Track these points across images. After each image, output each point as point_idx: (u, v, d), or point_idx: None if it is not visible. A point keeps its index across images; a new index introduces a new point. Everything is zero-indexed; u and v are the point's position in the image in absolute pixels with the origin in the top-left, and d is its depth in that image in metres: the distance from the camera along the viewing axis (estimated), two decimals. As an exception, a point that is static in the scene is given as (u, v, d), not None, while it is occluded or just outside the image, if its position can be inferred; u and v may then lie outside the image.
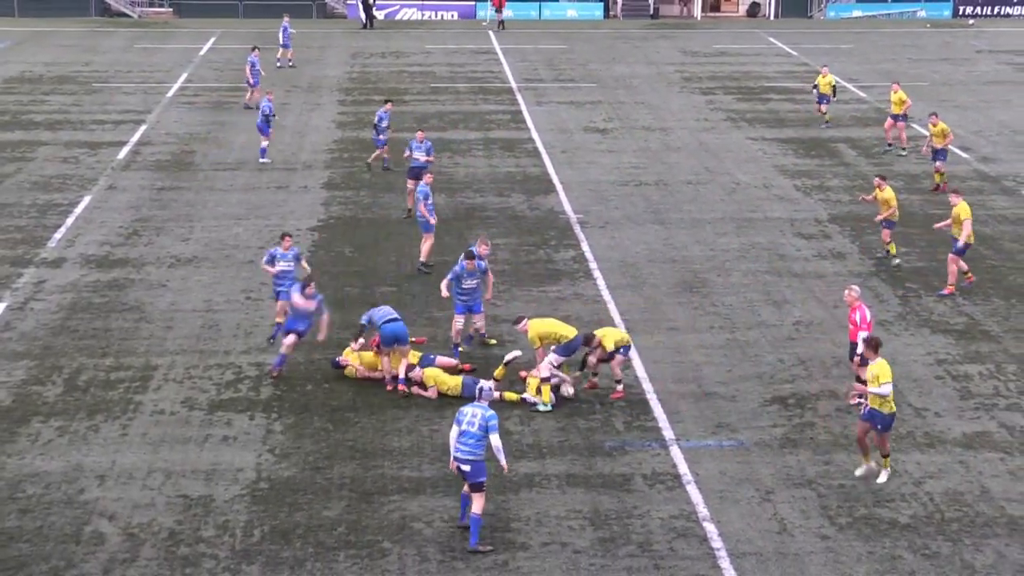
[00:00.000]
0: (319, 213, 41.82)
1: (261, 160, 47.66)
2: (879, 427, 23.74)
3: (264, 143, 47.89)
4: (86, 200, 43.14)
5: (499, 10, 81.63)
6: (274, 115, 48.34)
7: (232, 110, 56.80)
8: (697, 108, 57.85)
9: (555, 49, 73.18)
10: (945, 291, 34.78)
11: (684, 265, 36.90)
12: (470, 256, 30.03)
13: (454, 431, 22.46)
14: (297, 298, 28.50)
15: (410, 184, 40.36)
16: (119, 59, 69.39)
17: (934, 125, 44.80)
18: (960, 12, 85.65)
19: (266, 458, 25.68)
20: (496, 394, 27.42)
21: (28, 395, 28.43)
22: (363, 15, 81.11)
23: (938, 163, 44.77)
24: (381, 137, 46.36)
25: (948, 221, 35.19)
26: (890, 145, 49.68)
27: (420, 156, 40.44)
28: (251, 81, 57.10)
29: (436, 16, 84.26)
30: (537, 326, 28.45)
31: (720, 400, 28.33)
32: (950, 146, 45.36)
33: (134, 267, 36.69)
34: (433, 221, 35.69)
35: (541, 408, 27.67)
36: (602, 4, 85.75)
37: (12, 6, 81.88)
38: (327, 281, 35.10)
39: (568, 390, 28.19)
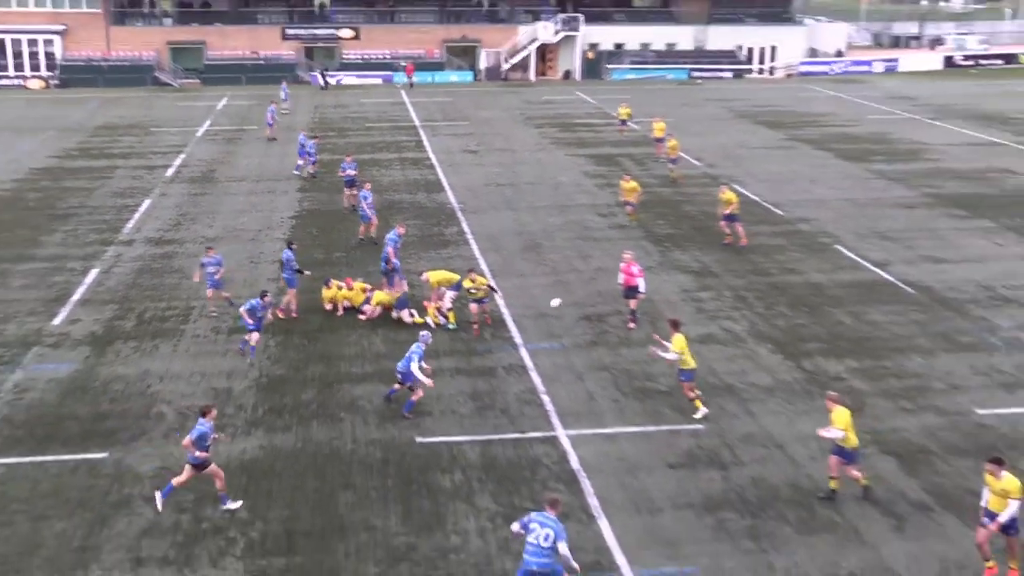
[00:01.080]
0: (296, 207, 41.18)
1: (310, 171, 46.41)
2: (683, 379, 22.21)
3: (308, 163, 46.64)
4: (147, 203, 42.14)
5: (410, 76, 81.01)
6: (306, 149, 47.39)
7: (239, 143, 55.74)
8: (533, 137, 57.74)
9: (443, 101, 72.62)
10: (741, 243, 34.91)
11: (526, 236, 36.83)
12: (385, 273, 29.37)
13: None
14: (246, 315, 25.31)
15: (346, 191, 39.90)
16: (166, 113, 67.81)
17: (669, 143, 46.14)
18: (692, 76, 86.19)
19: (265, 363, 25.37)
20: (412, 320, 27.37)
21: (113, 327, 27.88)
22: (322, 81, 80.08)
23: (672, 166, 45.66)
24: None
25: (724, 207, 35.18)
26: (660, 158, 49.67)
27: (351, 172, 39.90)
28: (270, 123, 56.20)
29: (367, 81, 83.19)
30: (434, 275, 28.27)
31: (550, 319, 28.33)
32: (683, 155, 45.77)
33: (179, 244, 35.99)
34: (372, 215, 35.25)
35: (450, 327, 27.39)
36: (472, 72, 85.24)
37: (97, 80, 79.70)
38: (302, 249, 34.53)
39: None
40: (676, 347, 21.76)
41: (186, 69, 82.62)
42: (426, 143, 55.84)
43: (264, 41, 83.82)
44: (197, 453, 18.34)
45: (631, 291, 27.64)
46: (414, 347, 22.32)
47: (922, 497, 19.20)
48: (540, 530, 15.19)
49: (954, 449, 21.02)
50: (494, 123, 62.76)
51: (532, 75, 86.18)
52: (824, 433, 18.80)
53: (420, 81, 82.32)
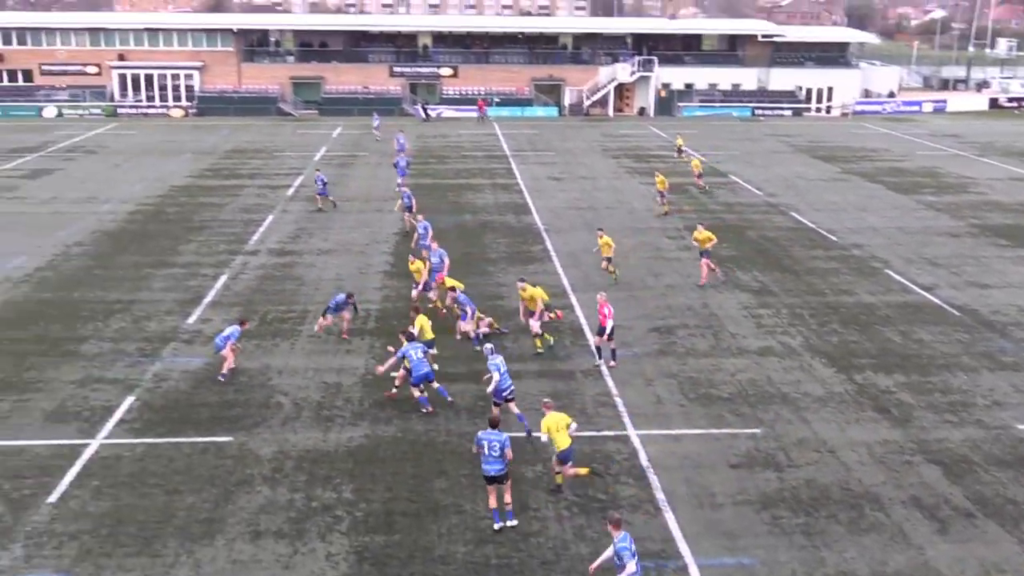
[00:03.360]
0: (399, 225, 41.40)
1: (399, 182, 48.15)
2: (562, 460, 18.65)
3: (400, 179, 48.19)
4: (270, 218, 42.85)
5: (481, 111, 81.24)
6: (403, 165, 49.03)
7: (351, 167, 56.35)
8: (611, 166, 57.53)
9: (531, 133, 72.73)
10: (701, 283, 32.46)
11: (603, 254, 36.68)
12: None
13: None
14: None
15: (406, 215, 39.79)
16: (288, 139, 68.95)
17: (658, 178, 44.35)
18: (755, 113, 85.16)
19: (371, 361, 25.55)
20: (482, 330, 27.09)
21: (238, 327, 28.26)
22: (423, 113, 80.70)
23: (660, 199, 43.92)
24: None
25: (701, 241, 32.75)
26: (705, 189, 49.19)
27: (406, 201, 39.90)
28: (400, 148, 56.51)
29: (464, 114, 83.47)
30: (531, 291, 26.75)
31: (621, 330, 27.98)
32: (744, 184, 44.88)
33: (297, 255, 36.44)
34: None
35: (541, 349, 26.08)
36: (557, 108, 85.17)
37: (229, 110, 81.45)
38: (400, 263, 34.94)
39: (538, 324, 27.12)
40: (543, 427, 18.48)
41: (305, 101, 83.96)
42: (515, 170, 55.94)
43: (374, 77, 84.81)
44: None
45: (602, 331, 25.20)
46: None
47: (965, 504, 18.65)
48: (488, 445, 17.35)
49: (996, 460, 20.39)
50: (576, 153, 62.65)
51: (610, 111, 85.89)
52: (541, 436, 18.59)
53: (510, 115, 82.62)
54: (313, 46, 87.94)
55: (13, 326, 28.39)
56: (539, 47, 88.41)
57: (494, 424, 17.83)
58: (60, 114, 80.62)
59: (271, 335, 27.66)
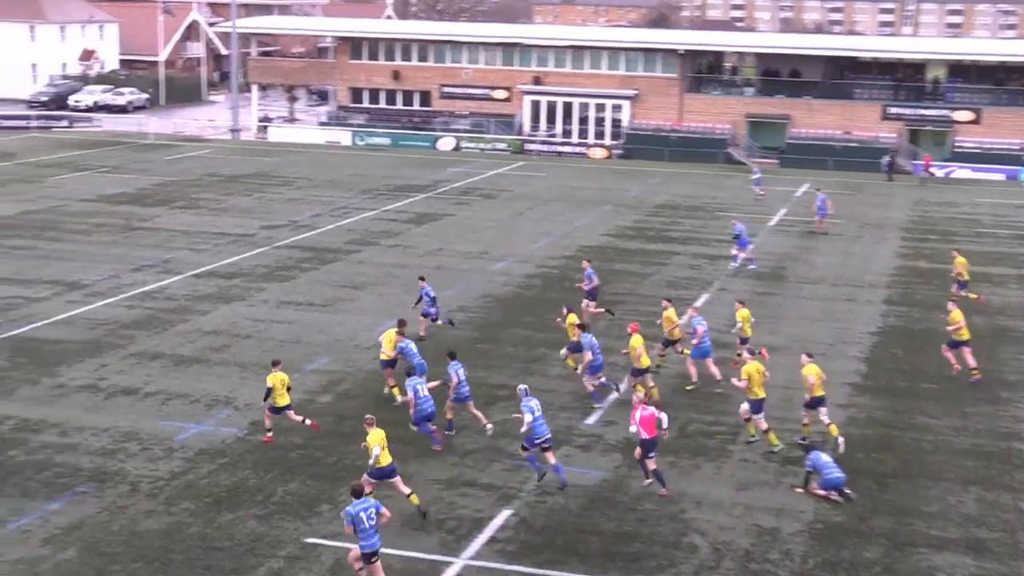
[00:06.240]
0: (879, 322, 40.62)
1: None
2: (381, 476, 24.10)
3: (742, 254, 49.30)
4: (704, 296, 43.60)
5: (927, 168, 77.92)
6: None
7: (818, 238, 56.14)
8: None
9: (1082, 208, 68.69)
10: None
11: None
12: None
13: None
14: None
15: (585, 302, 39.38)
16: (736, 195, 69.99)
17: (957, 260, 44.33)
18: None
19: (823, 507, 24.99)
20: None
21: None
22: (887, 172, 78.35)
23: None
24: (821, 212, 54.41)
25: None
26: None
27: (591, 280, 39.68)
28: (821, 213, 57.69)
29: (985, 176, 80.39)
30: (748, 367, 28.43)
31: None
32: None
33: (730, 349, 36.31)
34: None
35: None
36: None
37: (663, 153, 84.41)
38: (876, 372, 34.10)
39: None
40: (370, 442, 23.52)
41: (763, 147, 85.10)
42: (1056, 259, 53.11)
43: (859, 119, 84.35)
44: None
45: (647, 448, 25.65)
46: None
47: None
48: None
49: None
50: None
51: None
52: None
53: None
54: (780, 75, 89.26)
55: (378, 403, 30.87)
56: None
57: (358, 493, 20.00)
58: (457, 147, 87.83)
59: (691, 452, 27.99)
